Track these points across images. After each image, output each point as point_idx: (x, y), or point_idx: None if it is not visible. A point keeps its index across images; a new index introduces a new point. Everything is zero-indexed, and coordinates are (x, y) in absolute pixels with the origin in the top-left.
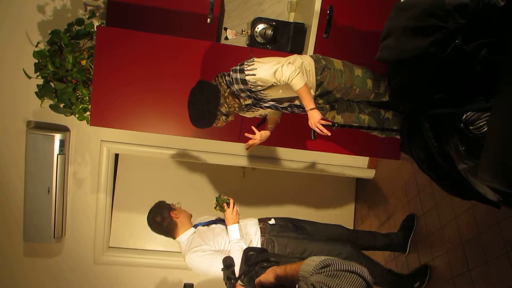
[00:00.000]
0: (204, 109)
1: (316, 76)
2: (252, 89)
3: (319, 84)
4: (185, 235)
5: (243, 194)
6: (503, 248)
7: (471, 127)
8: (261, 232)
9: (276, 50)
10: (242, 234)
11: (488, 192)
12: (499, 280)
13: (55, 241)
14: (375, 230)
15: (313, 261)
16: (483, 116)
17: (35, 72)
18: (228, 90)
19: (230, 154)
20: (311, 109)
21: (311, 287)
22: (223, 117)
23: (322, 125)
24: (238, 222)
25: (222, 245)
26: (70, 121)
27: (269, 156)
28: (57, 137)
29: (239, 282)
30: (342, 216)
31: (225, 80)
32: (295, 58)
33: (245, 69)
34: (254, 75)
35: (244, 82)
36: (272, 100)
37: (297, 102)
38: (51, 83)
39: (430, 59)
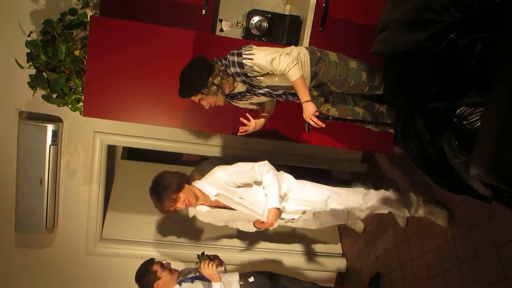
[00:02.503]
0: (195, 72)
1: (311, 67)
2: (248, 74)
3: (314, 75)
4: None
5: None
6: (494, 243)
7: (464, 122)
8: None
9: (271, 42)
10: None
11: (480, 187)
12: (489, 275)
13: (47, 232)
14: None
15: None
16: (477, 111)
17: (28, 62)
18: (223, 69)
19: (224, 146)
20: (306, 101)
21: None
22: (214, 87)
23: (317, 117)
24: (220, 280)
25: None
26: (63, 111)
27: (263, 149)
28: (50, 127)
29: None
30: None
31: (222, 62)
32: (292, 49)
33: (243, 52)
34: (252, 59)
35: (241, 65)
36: (267, 86)
37: (292, 90)
38: (44, 73)
39: (425, 53)
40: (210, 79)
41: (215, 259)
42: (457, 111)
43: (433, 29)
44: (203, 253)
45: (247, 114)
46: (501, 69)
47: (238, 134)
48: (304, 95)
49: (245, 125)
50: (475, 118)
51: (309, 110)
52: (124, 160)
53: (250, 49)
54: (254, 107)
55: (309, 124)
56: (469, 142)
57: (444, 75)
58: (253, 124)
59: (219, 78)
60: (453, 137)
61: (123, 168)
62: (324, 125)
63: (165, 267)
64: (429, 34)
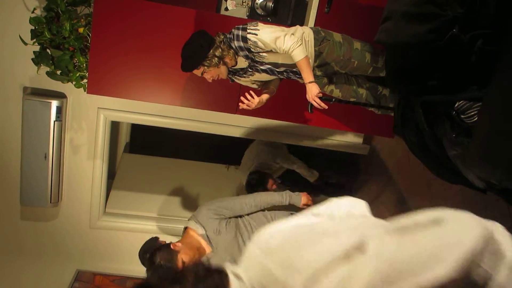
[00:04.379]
0: (196, 45)
1: (314, 46)
2: (251, 49)
3: (317, 55)
4: None
5: (226, 187)
6: None
7: (462, 116)
8: None
9: (276, 22)
10: None
11: (475, 179)
12: None
13: (52, 206)
14: None
15: None
16: (475, 105)
17: (32, 39)
18: (224, 41)
19: (226, 124)
20: (309, 82)
21: None
22: (215, 58)
23: (320, 98)
24: None
25: None
26: (67, 88)
27: (264, 128)
28: (54, 103)
29: None
30: None
31: (226, 36)
32: (296, 29)
33: (248, 27)
34: (256, 35)
35: (245, 40)
36: (269, 63)
37: (294, 68)
38: (48, 50)
39: (427, 46)
40: (211, 51)
41: None
42: (456, 105)
43: (435, 23)
44: None
45: (251, 92)
46: (501, 65)
47: (240, 107)
48: (307, 76)
49: (247, 100)
50: (473, 113)
51: (312, 91)
52: (127, 153)
53: (255, 25)
54: (255, 85)
55: (312, 105)
56: (467, 135)
57: (444, 69)
58: (257, 100)
59: (220, 50)
60: (451, 129)
61: (126, 161)
62: (326, 107)
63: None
64: (432, 27)
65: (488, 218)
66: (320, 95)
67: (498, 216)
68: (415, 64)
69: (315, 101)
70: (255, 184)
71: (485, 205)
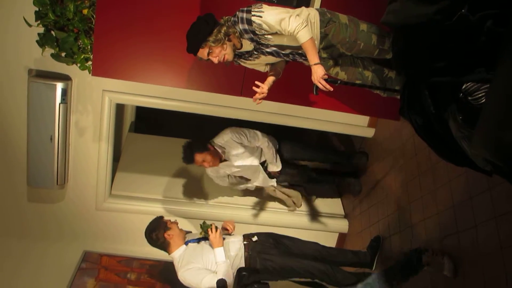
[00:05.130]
0: (201, 26)
1: (320, 28)
2: (256, 32)
3: (323, 37)
4: (177, 252)
5: None
6: (492, 213)
7: (469, 98)
8: (245, 249)
9: (282, 4)
10: (227, 255)
11: (480, 162)
12: (485, 244)
13: (58, 187)
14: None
15: None
16: (483, 87)
17: (36, 20)
18: (229, 23)
19: (231, 107)
20: (315, 64)
21: None
22: (221, 34)
23: (325, 80)
24: (222, 245)
25: (209, 264)
26: (72, 70)
27: (270, 111)
28: (59, 86)
29: None
30: None
31: (231, 19)
32: (302, 10)
33: (252, 10)
34: (261, 17)
35: (249, 22)
36: (275, 45)
37: (299, 50)
38: (52, 32)
39: (435, 26)
40: (216, 28)
41: (230, 224)
42: (463, 86)
43: (444, 3)
44: (204, 222)
45: (256, 82)
46: (510, 46)
47: (257, 103)
48: (313, 58)
49: (258, 89)
50: (480, 95)
51: (318, 73)
52: (132, 133)
53: (260, 7)
54: (262, 68)
55: (317, 87)
56: (473, 117)
57: (452, 50)
58: (266, 87)
59: (225, 27)
60: (458, 112)
61: (131, 141)
62: (332, 89)
63: (174, 222)
64: (440, 8)
65: (493, 200)
66: (326, 77)
67: (503, 199)
68: (423, 46)
69: (320, 83)
70: None
71: (489, 187)
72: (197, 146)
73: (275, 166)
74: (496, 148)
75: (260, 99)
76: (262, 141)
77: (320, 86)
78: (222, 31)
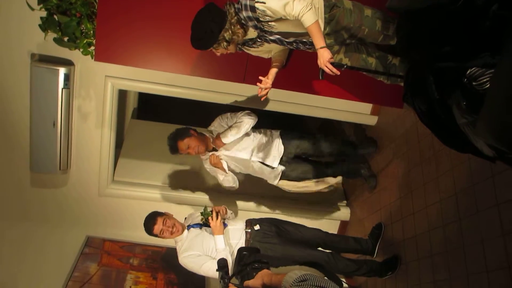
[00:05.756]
0: (207, 29)
1: (324, 13)
2: (260, 19)
3: (327, 22)
4: (179, 238)
5: None
6: (494, 201)
7: (474, 83)
8: (246, 237)
9: None
10: (227, 242)
11: (484, 148)
12: (487, 230)
13: (61, 173)
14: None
15: (294, 274)
16: (487, 72)
17: (38, 4)
18: (235, 17)
19: (234, 94)
20: (321, 48)
21: None
22: (225, 43)
23: (331, 64)
24: (223, 233)
25: (209, 251)
26: (75, 55)
27: (273, 98)
28: (62, 71)
29: (232, 280)
30: None
31: (234, 6)
32: None
33: None
34: (264, 3)
35: (253, 9)
36: (278, 33)
37: (303, 39)
38: (55, 16)
39: (440, 10)
40: (221, 34)
41: (221, 210)
42: (468, 72)
43: None
44: (205, 209)
45: (260, 77)
46: None
47: (262, 98)
48: (319, 41)
49: (257, 79)
50: (485, 80)
51: (324, 57)
52: (135, 119)
53: None
54: (265, 55)
55: (323, 71)
56: (477, 103)
57: (457, 34)
58: (270, 80)
59: (230, 32)
60: (462, 97)
61: (133, 128)
62: (338, 73)
63: (164, 229)
64: None
65: (496, 187)
66: (332, 60)
67: (506, 186)
68: (428, 30)
69: (326, 66)
70: None
71: (492, 174)
72: (180, 133)
73: (225, 137)
74: (500, 132)
75: (265, 94)
76: (238, 116)
77: (326, 70)
78: (227, 37)
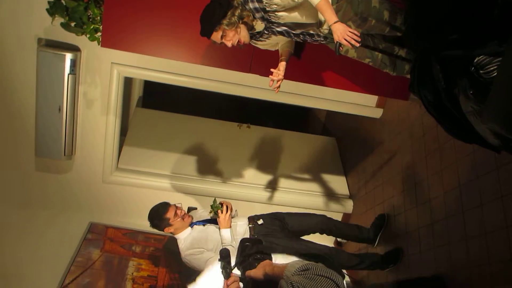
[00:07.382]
0: (214, 8)
1: (332, 4)
2: (267, 9)
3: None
4: (181, 235)
5: (238, 146)
6: (498, 193)
7: (481, 71)
8: (250, 233)
9: None
10: (233, 237)
11: (489, 137)
12: (490, 222)
13: (66, 159)
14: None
15: (296, 264)
16: (495, 60)
17: None
18: (241, 2)
19: (239, 84)
20: (335, 23)
21: (290, 285)
22: (235, 17)
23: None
24: (230, 227)
25: (214, 247)
26: (81, 41)
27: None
28: (68, 56)
29: (233, 271)
30: None
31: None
32: None
33: None
34: None
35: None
36: (285, 24)
37: (310, 30)
38: (62, 1)
39: None
40: (230, 11)
41: (229, 204)
42: (475, 60)
43: None
44: (215, 201)
45: (271, 69)
46: None
47: (276, 91)
48: (331, 17)
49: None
50: (492, 68)
51: (340, 30)
52: (140, 108)
53: None
54: (273, 48)
55: (339, 46)
56: (484, 92)
57: (465, 22)
58: (283, 68)
59: (239, 10)
60: (469, 86)
61: (138, 116)
62: (357, 45)
63: (178, 214)
64: None
65: (500, 181)
66: (350, 29)
67: (511, 179)
68: (435, 18)
69: (345, 39)
70: None
71: (497, 166)
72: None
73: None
74: (506, 120)
75: (278, 86)
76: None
77: (344, 42)
78: (236, 13)
